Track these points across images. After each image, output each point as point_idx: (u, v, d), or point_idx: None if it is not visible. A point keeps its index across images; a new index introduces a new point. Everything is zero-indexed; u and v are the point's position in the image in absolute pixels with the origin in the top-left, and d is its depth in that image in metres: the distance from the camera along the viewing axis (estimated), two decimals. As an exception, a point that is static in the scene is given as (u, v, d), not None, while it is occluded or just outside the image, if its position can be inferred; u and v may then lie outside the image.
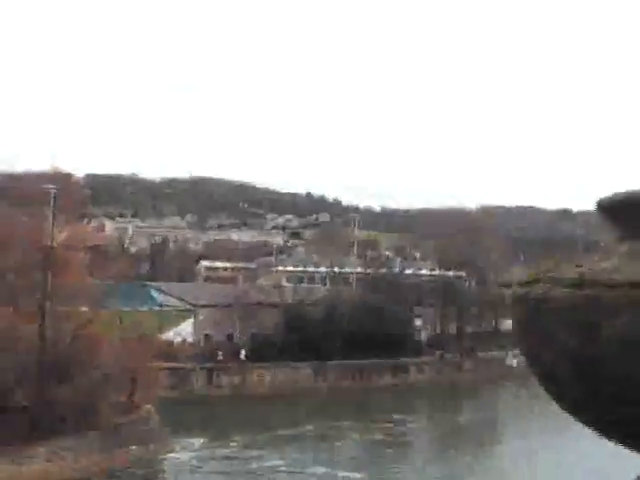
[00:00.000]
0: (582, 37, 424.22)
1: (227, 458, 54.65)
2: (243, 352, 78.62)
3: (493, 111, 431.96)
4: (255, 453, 55.58)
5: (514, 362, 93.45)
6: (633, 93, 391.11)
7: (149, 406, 54.69)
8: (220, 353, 78.13)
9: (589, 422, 2.83)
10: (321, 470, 52.45)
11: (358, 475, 51.75)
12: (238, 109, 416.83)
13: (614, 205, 2.94)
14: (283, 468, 52.89)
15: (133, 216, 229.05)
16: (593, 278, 2.66)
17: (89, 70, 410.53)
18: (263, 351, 79.21)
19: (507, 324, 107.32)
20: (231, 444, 57.95)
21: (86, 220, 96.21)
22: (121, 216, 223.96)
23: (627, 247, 2.87)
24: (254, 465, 52.94)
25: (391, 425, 66.56)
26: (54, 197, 54.45)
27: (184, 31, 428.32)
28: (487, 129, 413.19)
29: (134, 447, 50.31)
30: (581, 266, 2.80)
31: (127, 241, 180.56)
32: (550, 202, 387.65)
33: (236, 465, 52.95)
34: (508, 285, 3.04)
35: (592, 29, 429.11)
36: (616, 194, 2.94)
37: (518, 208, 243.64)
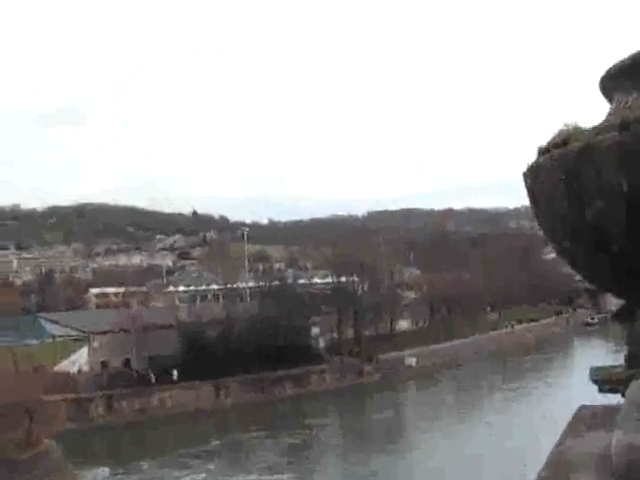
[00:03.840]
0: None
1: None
2: (175, 372, 77.61)
3: (372, 121, 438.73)
4: (167, 473, 54.89)
5: (413, 362, 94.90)
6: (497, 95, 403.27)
7: (49, 440, 53.09)
8: (152, 375, 77.10)
9: None
10: (243, 478, 52.40)
11: (282, 476, 52.06)
12: (118, 133, 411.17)
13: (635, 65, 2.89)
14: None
15: (17, 248, 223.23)
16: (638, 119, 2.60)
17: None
18: (163, 373, 78.20)
19: (402, 325, 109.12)
20: (140, 468, 57.11)
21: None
22: (4, 249, 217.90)
23: None
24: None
25: (302, 431, 66.96)
26: None
27: (59, 67, 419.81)
28: (368, 138, 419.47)
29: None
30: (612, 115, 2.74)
31: (11, 274, 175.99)
32: (434, 203, 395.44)
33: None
34: (545, 151, 2.93)
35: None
36: (633, 55, 2.91)
37: (403, 211, 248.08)
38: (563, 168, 2.79)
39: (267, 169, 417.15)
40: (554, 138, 2.91)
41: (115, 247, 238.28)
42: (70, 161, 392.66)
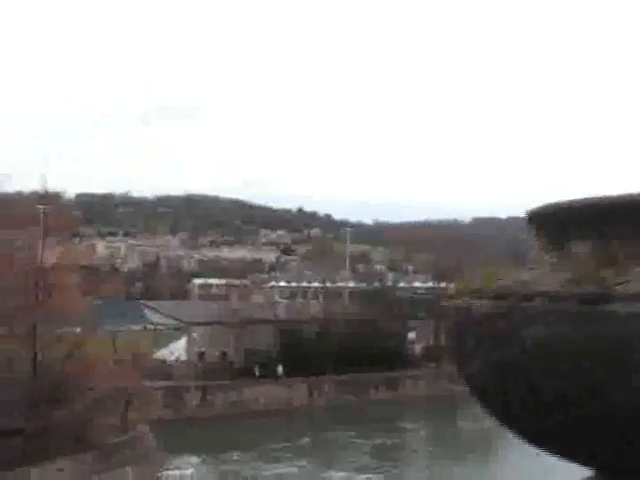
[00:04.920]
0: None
1: (229, 473, 54.46)
2: (280, 368, 78.31)
3: (480, 125, 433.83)
4: (258, 466, 55.45)
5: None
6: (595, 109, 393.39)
7: (144, 426, 54.05)
8: (257, 368, 78.05)
9: (518, 431, 2.91)
10: (335, 475, 52.71)
11: (372, 476, 52.15)
12: (229, 126, 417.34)
13: (542, 216, 3.04)
14: (293, 477, 52.94)
15: (125, 235, 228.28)
16: (512, 290, 2.77)
17: (78, 89, 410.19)
18: (259, 368, 78.91)
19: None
20: (232, 459, 57.83)
21: (77, 240, 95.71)
22: (113, 235, 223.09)
23: (551, 257, 3.00)
24: (260, 476, 52.89)
25: (395, 434, 66.91)
26: (44, 217, 53.88)
27: (179, 57, 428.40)
28: (477, 142, 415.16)
29: (130, 468, 49.67)
30: (503, 278, 2.89)
31: (119, 260, 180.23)
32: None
33: (241, 478, 52.91)
34: (448, 296, 3.06)
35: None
36: (545, 205, 3.02)
37: (510, 219, 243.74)
38: (452, 320, 2.92)
39: (375, 171, 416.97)
40: (456, 286, 3.05)
41: (220, 239, 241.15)
42: (183, 154, 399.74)
